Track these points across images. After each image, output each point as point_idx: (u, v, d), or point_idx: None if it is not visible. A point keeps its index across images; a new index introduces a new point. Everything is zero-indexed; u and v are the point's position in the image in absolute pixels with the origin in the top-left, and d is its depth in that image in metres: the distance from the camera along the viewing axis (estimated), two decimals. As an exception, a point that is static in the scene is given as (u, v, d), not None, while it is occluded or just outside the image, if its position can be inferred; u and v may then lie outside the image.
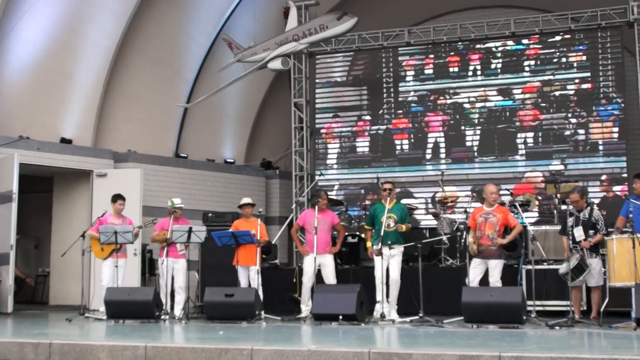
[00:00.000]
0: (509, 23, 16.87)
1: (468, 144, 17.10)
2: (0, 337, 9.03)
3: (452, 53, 17.53)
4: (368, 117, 17.99)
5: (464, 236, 13.21)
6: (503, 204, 12.74)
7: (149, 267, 15.98)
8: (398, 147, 17.57)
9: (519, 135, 16.75)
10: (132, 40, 17.33)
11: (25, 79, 16.00)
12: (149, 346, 7.87)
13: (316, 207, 12.19)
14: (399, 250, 11.67)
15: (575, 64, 16.69)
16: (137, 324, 11.27)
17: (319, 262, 12.06)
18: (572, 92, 16.59)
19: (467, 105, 17.18)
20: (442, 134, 17.30)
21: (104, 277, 12.63)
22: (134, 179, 15.99)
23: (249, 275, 12.37)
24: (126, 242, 12.47)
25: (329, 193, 17.09)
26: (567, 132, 16.47)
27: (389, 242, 11.49)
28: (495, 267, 11.16)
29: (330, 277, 12.16)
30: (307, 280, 12.10)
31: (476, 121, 17.12)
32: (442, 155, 17.20)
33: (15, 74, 15.89)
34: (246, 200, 13.02)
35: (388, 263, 11.59)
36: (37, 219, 18.07)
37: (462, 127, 17.18)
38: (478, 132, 17.08)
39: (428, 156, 17.32)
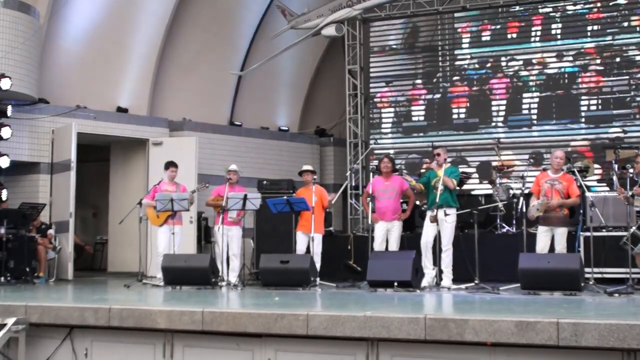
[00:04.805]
0: (569, -16, 16.49)
1: (526, 109, 16.82)
2: (62, 303, 9.18)
3: (510, 18, 17.22)
4: (422, 84, 17.81)
5: (520, 203, 13.06)
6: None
7: (204, 235, 16.10)
8: (455, 114, 17.36)
9: (578, 100, 16.43)
10: (186, 9, 17.37)
11: (82, 49, 16.19)
12: (206, 311, 7.93)
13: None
14: (450, 212, 11.49)
15: (637, 28, 16.26)
16: (193, 290, 11.37)
17: (387, 228, 12.07)
18: (634, 56, 16.19)
19: (524, 71, 16.89)
20: (500, 100, 17.04)
21: (160, 244, 12.74)
22: (189, 147, 16.11)
23: (309, 242, 12.38)
24: (182, 209, 12.54)
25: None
26: (629, 97, 16.08)
27: (438, 205, 11.39)
28: (562, 234, 11.07)
29: (393, 243, 12.10)
30: (377, 247, 12.09)
31: (534, 86, 16.82)
32: (500, 121, 16.97)
33: (72, 44, 16.09)
34: (306, 167, 13.04)
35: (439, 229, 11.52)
36: (95, 187, 18.32)
37: (520, 93, 16.89)
38: (536, 97, 16.79)
39: (485, 122, 17.10)
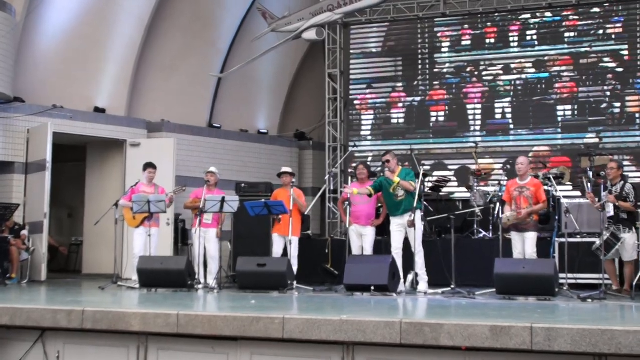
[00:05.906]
0: (547, -7, 16.60)
1: (502, 115, 16.90)
2: (34, 305, 9.08)
3: (488, 24, 17.31)
4: (402, 89, 17.84)
5: (497, 208, 13.12)
6: (537, 177, 12.63)
7: (181, 237, 16.05)
8: (433, 119, 17.41)
9: (555, 107, 16.53)
10: (166, 9, 17.30)
11: (59, 48, 16.05)
12: (181, 314, 7.89)
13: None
14: (417, 216, 11.46)
15: (613, 36, 16.41)
16: (169, 293, 11.31)
17: (360, 233, 12.09)
18: (609, 65, 16.32)
19: (502, 77, 16.97)
20: (478, 106, 17.11)
21: (136, 245, 12.68)
22: (168, 149, 16.02)
23: (286, 244, 12.35)
24: (159, 211, 12.48)
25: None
26: (604, 105, 16.22)
27: (405, 209, 11.48)
28: (532, 239, 11.11)
29: (367, 248, 12.12)
30: (355, 251, 12.13)
31: (511, 93, 16.91)
32: (478, 127, 17.04)
33: (49, 43, 15.95)
34: (284, 169, 13.03)
35: (406, 232, 11.57)
36: (71, 188, 18.21)
37: (497, 99, 16.98)
38: (513, 103, 16.87)
39: (463, 128, 17.15)
